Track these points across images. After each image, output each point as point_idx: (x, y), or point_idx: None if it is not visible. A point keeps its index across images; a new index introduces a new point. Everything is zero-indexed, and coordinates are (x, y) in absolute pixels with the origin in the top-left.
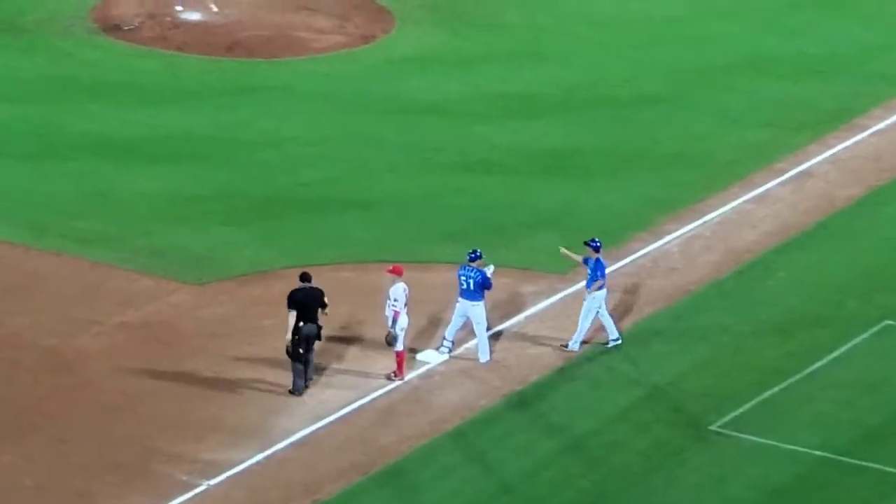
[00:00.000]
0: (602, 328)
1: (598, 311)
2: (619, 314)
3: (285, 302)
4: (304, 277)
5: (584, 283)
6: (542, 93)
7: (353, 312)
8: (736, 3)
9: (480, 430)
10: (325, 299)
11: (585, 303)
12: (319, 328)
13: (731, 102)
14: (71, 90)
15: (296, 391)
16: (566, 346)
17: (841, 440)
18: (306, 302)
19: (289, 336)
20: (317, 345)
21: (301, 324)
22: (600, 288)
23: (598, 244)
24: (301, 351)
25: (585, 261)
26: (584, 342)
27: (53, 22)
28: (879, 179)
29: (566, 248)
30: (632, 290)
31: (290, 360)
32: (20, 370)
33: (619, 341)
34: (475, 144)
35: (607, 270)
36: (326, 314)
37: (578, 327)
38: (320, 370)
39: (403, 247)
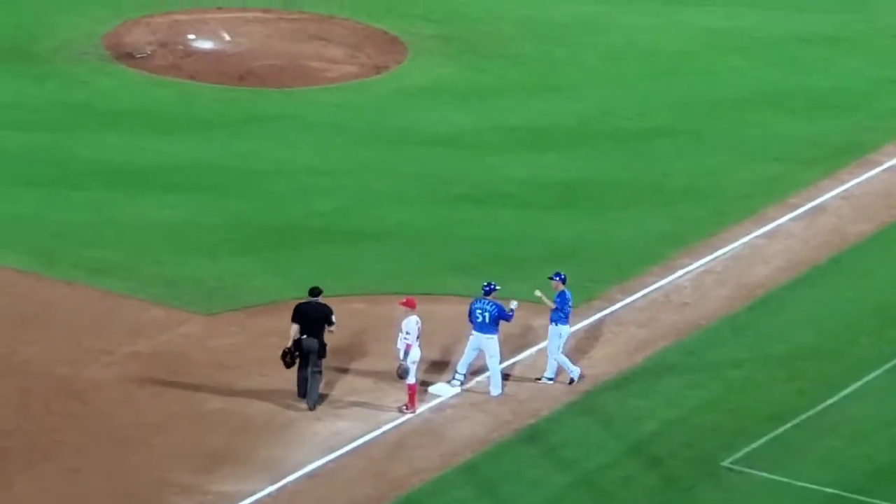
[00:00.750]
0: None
1: (558, 344)
2: (631, 348)
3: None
4: (313, 292)
5: (596, 316)
6: (555, 125)
7: (365, 344)
8: (747, 38)
9: (492, 464)
10: (333, 318)
11: (550, 337)
12: (322, 345)
13: (744, 137)
14: (84, 118)
15: (299, 395)
16: (572, 381)
17: (853, 477)
18: (310, 316)
19: (289, 345)
20: (328, 373)
21: (304, 337)
22: (562, 321)
23: (562, 276)
24: (289, 361)
25: (559, 296)
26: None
27: (66, 49)
28: (891, 216)
29: (541, 292)
30: (644, 325)
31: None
32: (32, 399)
33: (552, 382)
34: (487, 176)
35: (621, 306)
36: (332, 332)
37: (561, 363)
38: (332, 402)
39: (415, 278)
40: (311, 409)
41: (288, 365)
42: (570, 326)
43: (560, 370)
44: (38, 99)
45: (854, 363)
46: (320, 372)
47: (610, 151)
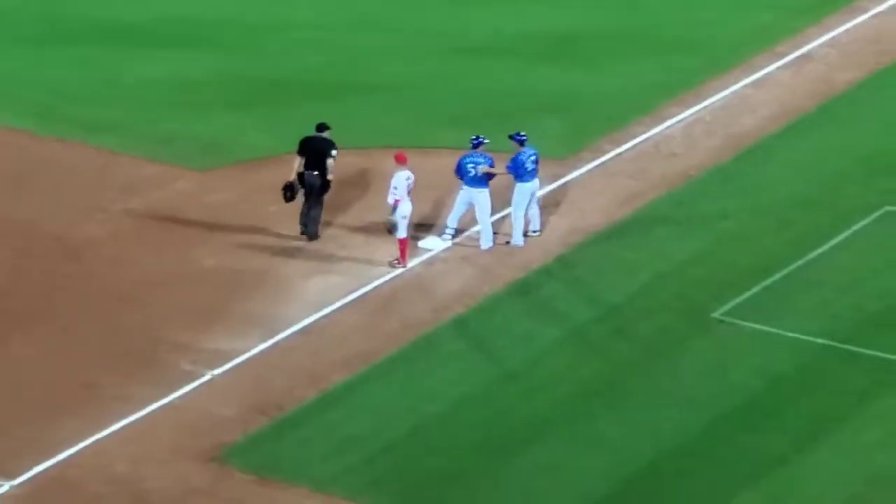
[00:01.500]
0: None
1: (528, 202)
2: (620, 200)
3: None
4: (320, 127)
5: (586, 167)
6: None
7: (358, 198)
8: None
9: (483, 318)
10: (333, 151)
11: (513, 196)
12: (325, 179)
13: None
14: None
15: (301, 232)
16: (509, 242)
17: (842, 327)
18: (314, 150)
19: (291, 177)
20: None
21: (306, 171)
22: (524, 178)
23: (520, 137)
24: (289, 195)
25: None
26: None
27: None
28: (880, 62)
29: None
30: (634, 176)
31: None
32: (27, 258)
33: (537, 234)
34: (479, 29)
35: (610, 157)
36: (332, 161)
37: (514, 220)
38: (324, 257)
39: (407, 132)
40: (311, 239)
41: (287, 199)
42: (551, 179)
43: (543, 223)
44: None
45: (842, 212)
46: (321, 204)
47: (602, 2)
